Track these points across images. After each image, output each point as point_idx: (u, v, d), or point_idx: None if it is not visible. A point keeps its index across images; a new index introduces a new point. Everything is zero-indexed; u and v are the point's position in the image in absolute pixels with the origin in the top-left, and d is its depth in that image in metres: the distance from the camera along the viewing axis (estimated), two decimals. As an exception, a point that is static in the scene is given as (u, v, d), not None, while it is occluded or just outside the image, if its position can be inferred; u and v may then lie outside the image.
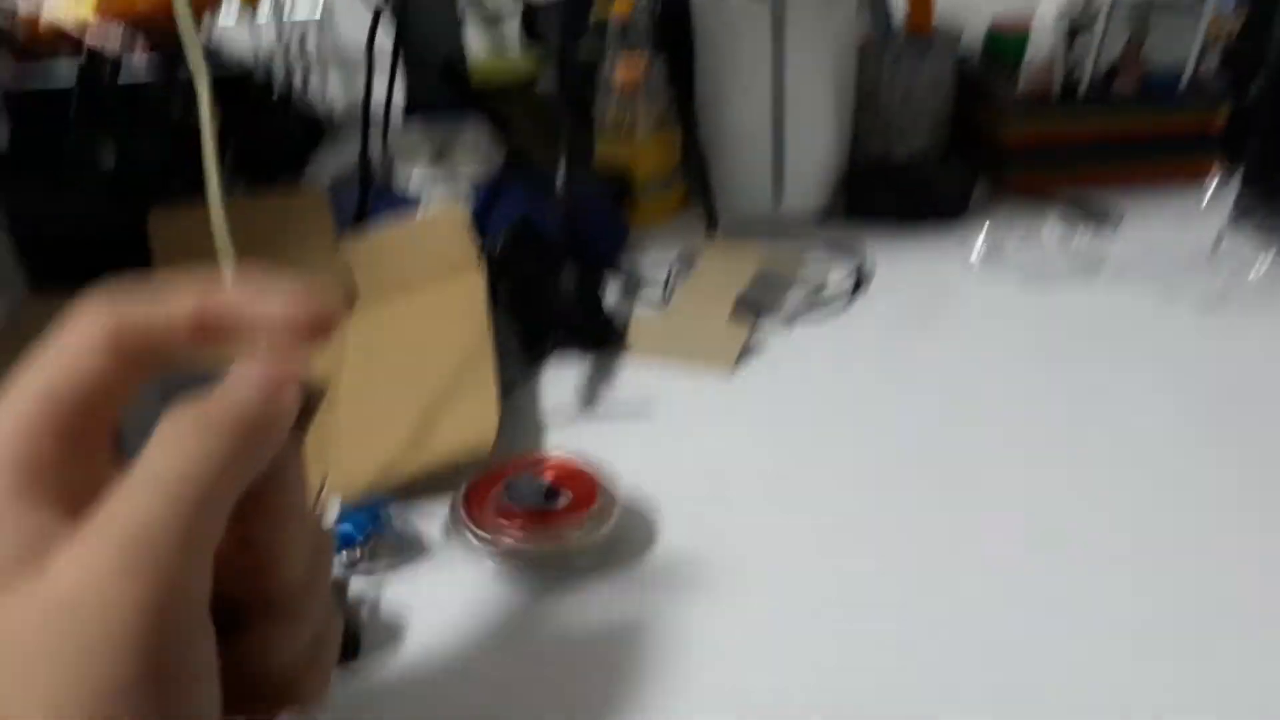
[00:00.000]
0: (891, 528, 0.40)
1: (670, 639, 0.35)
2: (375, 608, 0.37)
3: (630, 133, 0.70)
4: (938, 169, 0.70)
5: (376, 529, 0.40)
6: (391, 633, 0.36)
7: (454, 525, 0.39)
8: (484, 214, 0.62)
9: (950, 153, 0.77)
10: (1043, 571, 0.36)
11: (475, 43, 0.93)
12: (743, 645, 0.35)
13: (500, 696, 0.33)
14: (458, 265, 0.56)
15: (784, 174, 0.67)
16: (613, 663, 0.34)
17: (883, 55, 0.72)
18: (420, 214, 0.61)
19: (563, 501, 0.40)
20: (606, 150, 0.71)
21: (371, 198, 0.62)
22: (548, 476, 0.41)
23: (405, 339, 0.55)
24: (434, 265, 0.57)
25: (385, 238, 0.59)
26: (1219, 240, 0.58)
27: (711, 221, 0.67)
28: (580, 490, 0.40)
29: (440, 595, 0.38)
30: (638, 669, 0.34)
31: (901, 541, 0.39)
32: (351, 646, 0.35)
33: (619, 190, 0.71)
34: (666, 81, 0.70)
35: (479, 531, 0.38)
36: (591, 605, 0.37)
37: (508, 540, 0.38)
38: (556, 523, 0.39)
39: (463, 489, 0.41)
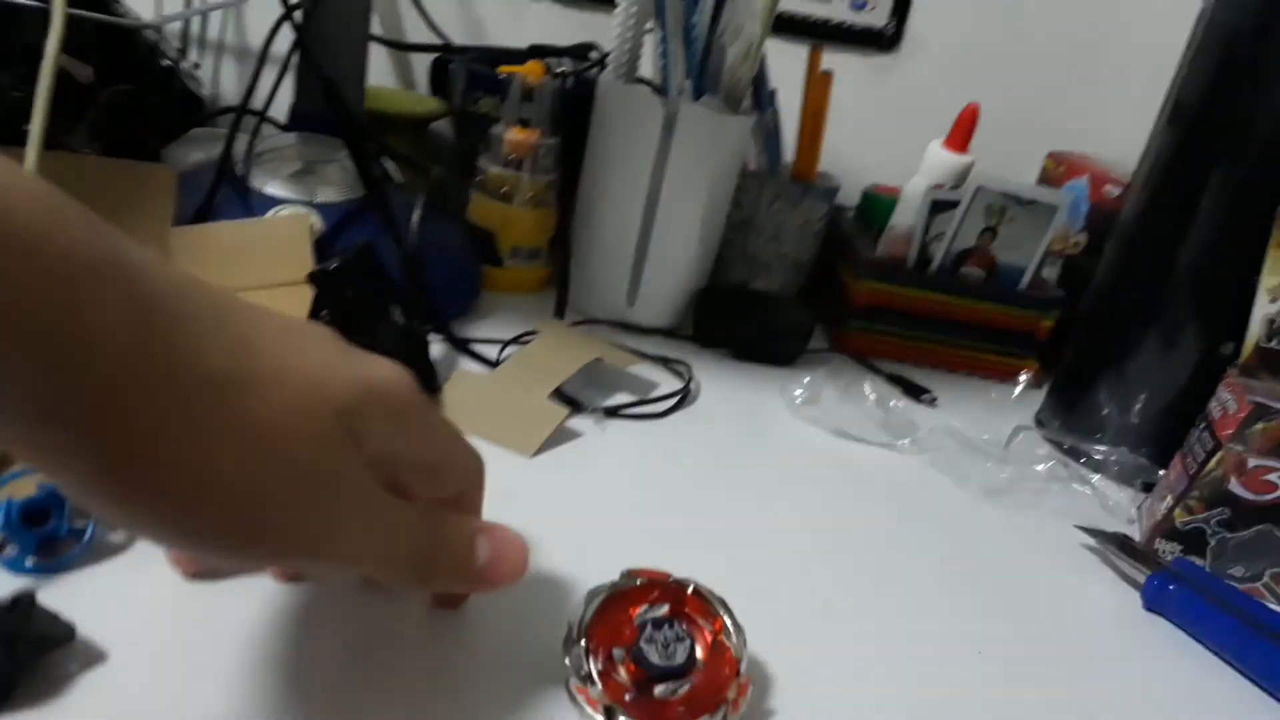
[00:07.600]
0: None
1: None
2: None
3: (508, 197, 0.70)
4: (781, 317, 0.72)
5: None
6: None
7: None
8: (332, 236, 0.60)
9: (803, 295, 0.81)
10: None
11: (386, 70, 0.93)
12: None
13: None
14: (288, 278, 0.55)
15: (640, 281, 0.68)
16: None
17: (763, 189, 0.75)
18: (265, 218, 0.59)
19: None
20: (481, 207, 0.71)
21: (222, 193, 0.60)
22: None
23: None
24: (263, 272, 0.55)
25: (221, 232, 0.57)
26: (1014, 436, 0.62)
27: (560, 307, 0.67)
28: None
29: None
30: None
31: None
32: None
33: (481, 247, 0.71)
34: (556, 160, 0.71)
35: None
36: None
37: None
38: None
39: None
